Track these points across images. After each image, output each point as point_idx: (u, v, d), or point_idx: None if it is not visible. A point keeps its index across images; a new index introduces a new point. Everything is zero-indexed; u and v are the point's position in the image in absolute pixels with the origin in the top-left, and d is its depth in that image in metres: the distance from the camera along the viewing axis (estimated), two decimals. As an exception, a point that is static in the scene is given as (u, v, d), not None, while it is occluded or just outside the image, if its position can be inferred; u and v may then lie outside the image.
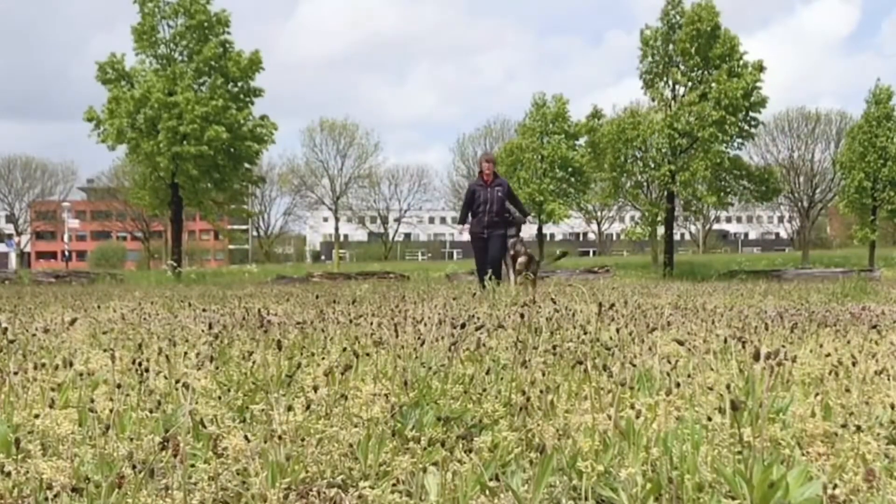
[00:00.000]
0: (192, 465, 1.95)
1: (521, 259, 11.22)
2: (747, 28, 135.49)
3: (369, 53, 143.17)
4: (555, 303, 5.88)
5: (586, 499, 1.73)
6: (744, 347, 3.25)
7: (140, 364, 2.83)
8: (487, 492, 1.74)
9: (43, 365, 2.99)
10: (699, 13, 32.53)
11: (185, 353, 3.42)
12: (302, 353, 3.43)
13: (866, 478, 1.55)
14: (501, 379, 2.82)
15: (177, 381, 2.59)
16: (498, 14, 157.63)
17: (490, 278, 10.06)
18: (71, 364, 2.90)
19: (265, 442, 1.88)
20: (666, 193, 34.78)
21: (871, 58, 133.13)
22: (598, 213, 70.71)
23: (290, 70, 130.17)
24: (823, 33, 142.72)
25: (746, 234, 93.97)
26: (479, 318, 5.03)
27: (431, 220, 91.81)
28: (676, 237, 44.42)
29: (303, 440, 2.00)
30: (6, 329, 3.92)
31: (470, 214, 11.62)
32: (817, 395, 2.48)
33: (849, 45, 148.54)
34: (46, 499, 1.67)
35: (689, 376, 2.79)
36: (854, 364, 2.87)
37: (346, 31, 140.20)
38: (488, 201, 11.34)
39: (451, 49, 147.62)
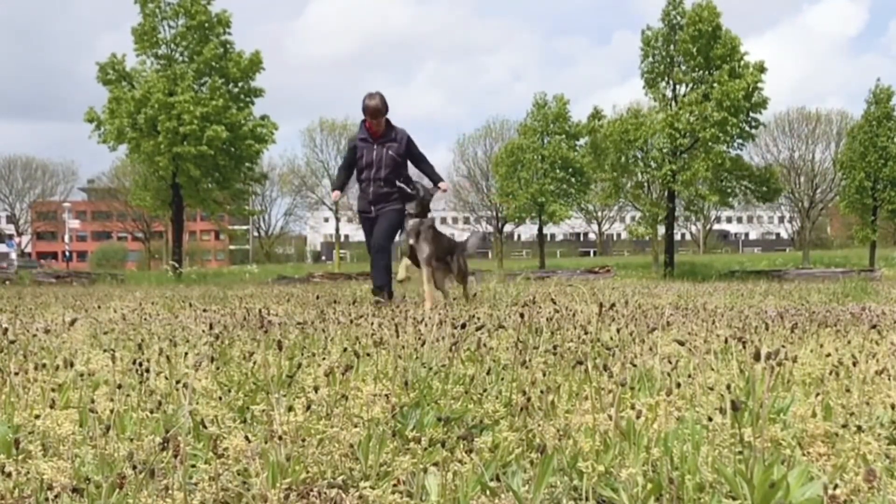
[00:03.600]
0: (193, 466, 1.95)
1: (427, 249, 7.51)
2: (755, 28, 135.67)
3: (377, 53, 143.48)
4: (555, 303, 5.88)
5: (587, 499, 1.73)
6: (744, 347, 3.25)
7: (141, 364, 2.83)
8: (488, 492, 1.74)
9: (44, 365, 2.99)
10: (700, 14, 32.55)
11: (186, 354, 3.42)
12: (303, 354, 3.43)
13: (867, 478, 1.55)
14: (502, 379, 2.82)
15: (177, 382, 2.59)
16: (506, 14, 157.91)
17: (380, 289, 7.68)
18: (72, 364, 2.90)
19: (266, 442, 1.88)
20: (667, 193, 34.80)
21: (878, 58, 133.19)
22: (599, 214, 70.69)
23: (297, 70, 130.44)
24: (831, 33, 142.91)
25: (747, 235, 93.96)
26: (479, 319, 5.03)
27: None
28: (677, 237, 44.43)
29: (303, 440, 2.00)
30: (7, 329, 3.92)
31: (358, 184, 8.22)
32: (818, 395, 2.48)
33: (856, 45, 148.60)
34: (47, 499, 1.67)
35: (689, 376, 2.79)
36: (854, 364, 2.86)
37: (355, 31, 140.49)
38: (374, 164, 7.91)
39: (458, 49, 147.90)
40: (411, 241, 7.61)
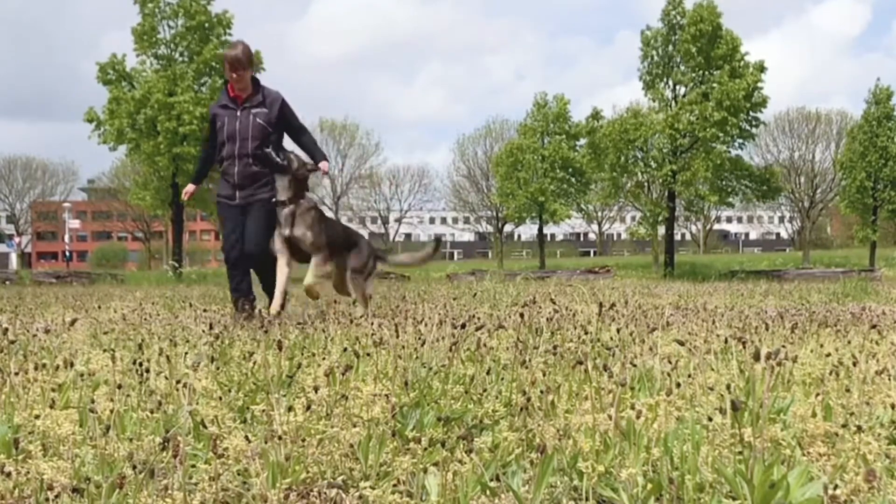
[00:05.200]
0: (193, 466, 1.95)
1: (311, 234, 5.94)
2: (760, 27, 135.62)
3: (380, 53, 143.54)
4: (554, 303, 5.89)
5: (587, 499, 1.73)
6: (744, 347, 3.25)
7: (141, 364, 2.83)
8: (488, 492, 1.74)
9: (44, 365, 2.99)
10: (701, 13, 32.56)
11: (186, 354, 3.42)
12: (303, 354, 3.43)
13: (867, 478, 1.55)
14: (502, 379, 2.82)
15: (177, 382, 2.59)
16: (511, 14, 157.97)
17: (245, 298, 6.02)
18: (72, 364, 2.90)
19: (266, 442, 1.88)
20: (667, 193, 34.82)
21: (882, 58, 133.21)
22: (599, 214, 70.67)
23: (299, 70, 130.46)
24: (834, 33, 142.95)
25: (747, 235, 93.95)
26: (479, 319, 5.03)
27: (432, 221, 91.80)
28: (677, 237, 44.45)
29: (303, 440, 2.00)
30: (7, 329, 3.92)
31: (219, 164, 6.39)
32: (818, 395, 2.48)
33: (860, 44, 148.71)
34: (47, 499, 1.67)
35: (689, 376, 2.79)
36: (854, 364, 2.86)
37: (358, 30, 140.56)
38: (237, 135, 6.18)
39: (462, 49, 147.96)
40: (286, 232, 5.92)
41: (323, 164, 6.33)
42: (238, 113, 6.23)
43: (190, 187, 6.59)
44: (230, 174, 6.22)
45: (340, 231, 6.42)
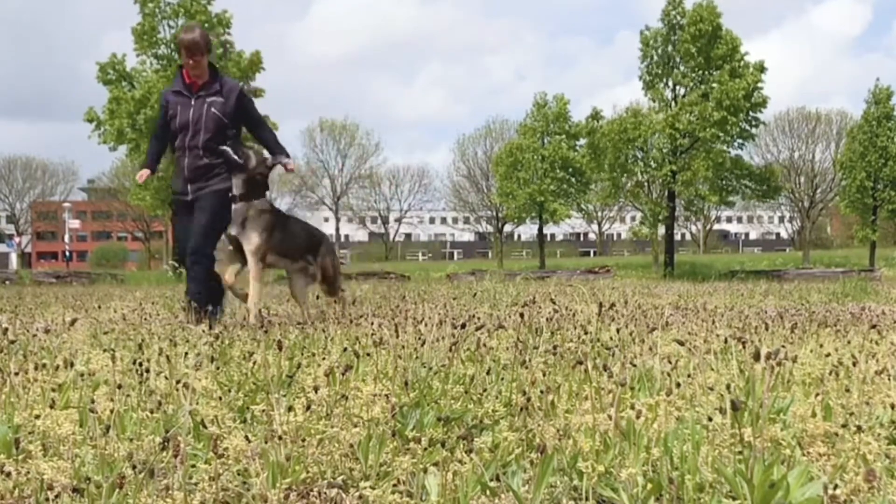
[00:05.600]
0: (193, 466, 1.95)
1: (256, 238, 5.59)
2: (760, 27, 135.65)
3: (381, 53, 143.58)
4: (554, 303, 5.89)
5: (587, 499, 1.73)
6: (744, 347, 3.25)
7: (140, 364, 2.83)
8: (488, 492, 1.75)
9: (44, 365, 2.99)
10: (701, 13, 32.57)
11: (186, 354, 3.42)
12: (302, 354, 3.43)
13: (867, 478, 1.55)
14: (502, 379, 2.82)
15: (177, 382, 2.60)
16: (511, 14, 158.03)
17: (197, 296, 5.60)
18: (72, 364, 2.91)
19: (266, 442, 1.88)
20: (667, 193, 34.83)
21: (882, 58, 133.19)
22: (599, 214, 70.68)
23: (300, 70, 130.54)
24: (835, 33, 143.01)
25: (747, 235, 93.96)
26: (479, 319, 5.04)
27: (432, 221, 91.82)
28: (677, 237, 44.48)
29: (303, 440, 2.00)
30: (7, 329, 3.92)
31: (173, 152, 6.04)
32: (818, 395, 2.48)
33: (860, 44, 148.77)
34: (47, 499, 1.67)
35: (689, 376, 2.79)
36: (854, 364, 2.86)
37: (359, 31, 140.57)
38: (190, 125, 5.81)
39: (462, 49, 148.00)
40: (234, 231, 5.61)
41: (288, 163, 5.95)
42: (192, 101, 5.82)
43: (144, 172, 6.08)
44: (181, 167, 5.86)
45: (302, 235, 6.01)
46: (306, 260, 5.93)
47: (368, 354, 3.26)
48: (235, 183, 5.66)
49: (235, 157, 5.65)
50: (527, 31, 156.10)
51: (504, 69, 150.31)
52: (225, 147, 5.69)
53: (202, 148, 5.76)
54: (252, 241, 5.61)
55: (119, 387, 2.48)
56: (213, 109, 5.80)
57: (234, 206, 5.65)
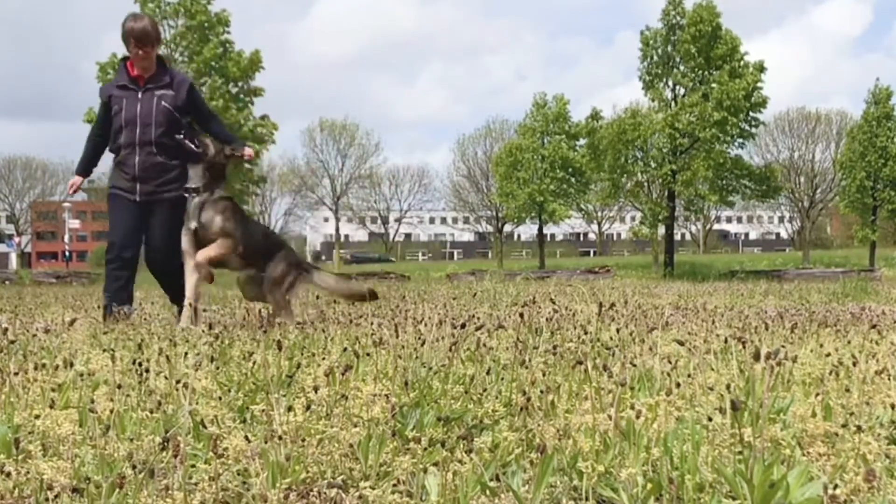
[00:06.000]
0: (193, 466, 1.95)
1: (224, 224, 5.21)
2: (761, 28, 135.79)
3: (382, 53, 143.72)
4: (554, 303, 5.89)
5: (587, 499, 1.73)
6: (744, 347, 3.25)
7: (140, 364, 2.83)
8: (488, 492, 1.74)
9: (43, 365, 2.99)
10: (701, 14, 32.57)
11: (186, 354, 3.42)
12: (302, 354, 3.43)
13: (867, 478, 1.55)
14: (502, 379, 2.82)
15: (177, 382, 2.60)
16: (512, 14, 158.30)
17: (122, 306, 5.25)
18: (71, 364, 2.90)
19: (266, 442, 1.88)
20: (667, 193, 34.84)
21: (883, 58, 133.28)
22: (599, 214, 70.70)
23: (301, 70, 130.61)
24: (835, 33, 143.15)
25: (747, 235, 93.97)
26: (479, 319, 5.03)
27: (432, 221, 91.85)
28: (677, 237, 44.48)
29: (303, 440, 2.00)
30: (7, 329, 3.92)
31: (114, 153, 5.62)
32: (818, 395, 2.48)
33: (861, 45, 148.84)
34: (47, 499, 1.67)
35: (689, 376, 2.79)
36: (854, 364, 2.86)
37: (360, 31, 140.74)
38: (138, 121, 5.45)
39: (463, 49, 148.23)
40: (193, 224, 5.19)
41: (246, 151, 5.64)
42: (139, 95, 5.45)
43: (77, 179, 5.78)
44: (129, 165, 5.46)
45: (260, 234, 5.60)
46: (258, 265, 5.41)
47: (368, 354, 3.26)
48: (193, 174, 5.31)
49: (193, 146, 5.35)
50: (527, 31, 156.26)
51: (504, 69, 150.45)
52: (179, 136, 5.38)
53: (155, 143, 5.43)
54: (215, 223, 5.19)
55: (119, 387, 2.48)
56: (163, 103, 5.47)
57: (190, 200, 5.26)
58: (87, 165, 5.81)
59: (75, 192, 5.89)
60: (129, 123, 5.46)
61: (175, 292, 5.61)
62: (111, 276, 5.57)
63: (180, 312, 5.34)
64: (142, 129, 5.45)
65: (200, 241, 5.24)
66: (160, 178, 5.48)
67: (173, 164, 5.46)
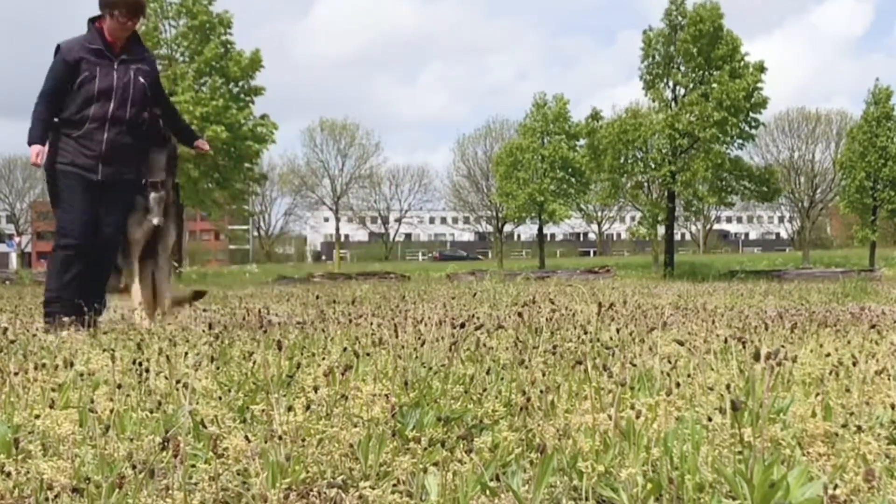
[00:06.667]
0: (193, 466, 1.95)
1: (173, 234, 5.25)
2: (762, 28, 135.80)
3: (383, 53, 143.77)
4: (553, 303, 5.89)
5: (587, 499, 1.73)
6: (744, 347, 3.25)
7: (140, 364, 2.83)
8: (488, 492, 1.74)
9: (43, 365, 2.99)
10: (702, 14, 32.57)
11: (186, 354, 3.42)
12: (302, 354, 3.43)
13: (866, 478, 1.55)
14: (502, 379, 2.82)
15: (177, 382, 2.60)
16: (513, 13, 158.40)
17: (97, 302, 4.80)
18: (71, 364, 2.90)
19: (266, 442, 1.88)
20: (667, 193, 34.83)
21: (884, 58, 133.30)
22: (599, 214, 70.70)
23: (302, 70, 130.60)
24: (837, 33, 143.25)
25: (747, 235, 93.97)
26: (479, 318, 5.03)
27: (432, 221, 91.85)
28: (677, 237, 44.47)
29: (303, 440, 2.00)
30: (7, 329, 3.92)
31: (72, 125, 4.95)
32: (818, 395, 2.48)
33: (862, 45, 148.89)
34: (47, 499, 1.67)
35: (689, 376, 2.79)
36: (854, 364, 2.86)
37: (361, 30, 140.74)
38: (114, 94, 4.95)
39: (464, 48, 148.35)
40: (156, 220, 4.97)
41: (201, 143, 5.43)
42: (115, 65, 4.95)
43: (39, 148, 4.92)
44: (95, 141, 4.92)
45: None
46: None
47: (368, 354, 3.26)
48: (156, 164, 5.00)
49: (165, 131, 5.08)
50: (529, 31, 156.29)
51: (506, 69, 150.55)
52: (156, 112, 5.08)
53: (127, 122, 4.97)
54: (171, 237, 5.12)
55: (119, 387, 2.48)
56: (140, 78, 5.03)
57: (154, 194, 4.99)
58: (42, 130, 4.98)
59: (39, 158, 4.94)
60: (102, 95, 4.92)
61: (101, 285, 5.14)
62: (62, 263, 4.97)
63: (99, 307, 4.87)
64: (116, 105, 4.95)
65: (153, 240, 5.08)
66: (124, 160, 5.04)
67: (137, 145, 5.07)
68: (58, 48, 4.97)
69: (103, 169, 4.97)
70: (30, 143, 4.94)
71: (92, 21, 5.06)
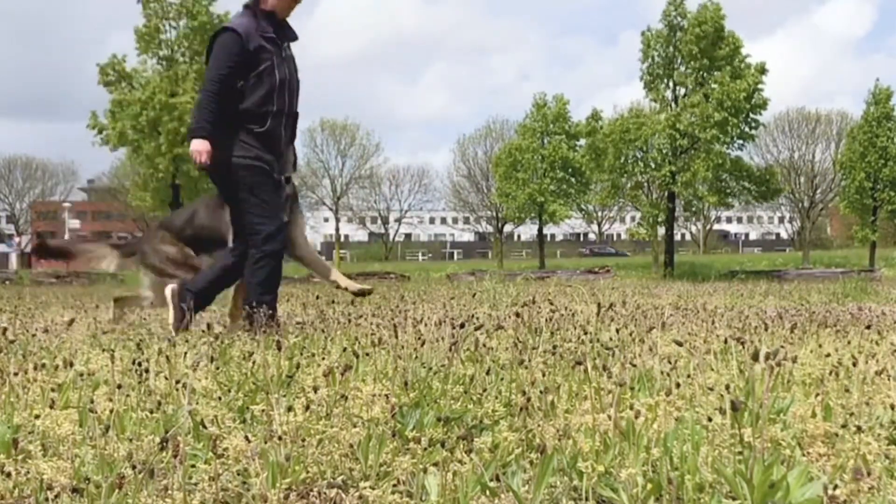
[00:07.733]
0: (193, 466, 1.95)
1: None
2: (764, 28, 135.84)
3: (385, 53, 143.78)
4: (552, 303, 5.89)
5: (587, 499, 1.73)
6: (744, 348, 3.25)
7: (140, 364, 2.83)
8: (488, 492, 1.74)
9: (43, 365, 2.99)
10: (705, 15, 32.58)
11: (186, 354, 3.42)
12: (302, 354, 3.43)
13: (855, 477, 1.55)
14: (502, 379, 2.82)
15: (177, 382, 2.59)
16: (515, 14, 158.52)
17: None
18: (71, 364, 2.90)
19: (266, 442, 1.88)
20: (667, 194, 34.83)
21: (887, 58, 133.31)
22: (599, 214, 70.69)
23: (305, 70, 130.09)
24: (839, 34, 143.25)
25: (747, 235, 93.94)
26: (478, 319, 5.03)
27: (432, 221, 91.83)
28: (677, 238, 44.46)
29: (303, 441, 2.00)
30: (7, 329, 3.92)
31: (253, 119, 4.52)
32: (818, 395, 2.48)
33: (865, 45, 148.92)
34: (47, 499, 1.67)
35: (689, 377, 2.79)
36: (854, 364, 2.86)
37: (364, 31, 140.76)
38: (287, 86, 4.59)
39: (466, 48, 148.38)
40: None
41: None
42: (283, 53, 4.57)
43: (206, 145, 4.44)
44: (277, 136, 4.54)
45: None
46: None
47: (368, 354, 3.26)
48: (288, 159, 4.73)
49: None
50: (530, 31, 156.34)
51: (507, 69, 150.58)
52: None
53: (295, 116, 4.70)
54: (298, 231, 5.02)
55: (118, 387, 2.48)
56: (294, 65, 4.67)
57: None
58: (209, 124, 4.47)
59: (201, 156, 4.45)
60: (283, 86, 4.52)
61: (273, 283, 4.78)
62: (278, 267, 4.62)
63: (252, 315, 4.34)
64: (290, 98, 4.59)
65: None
66: (291, 157, 4.78)
67: (292, 144, 4.81)
68: (229, 31, 4.52)
69: (279, 167, 4.64)
70: (196, 137, 4.49)
71: (246, 7, 4.65)
